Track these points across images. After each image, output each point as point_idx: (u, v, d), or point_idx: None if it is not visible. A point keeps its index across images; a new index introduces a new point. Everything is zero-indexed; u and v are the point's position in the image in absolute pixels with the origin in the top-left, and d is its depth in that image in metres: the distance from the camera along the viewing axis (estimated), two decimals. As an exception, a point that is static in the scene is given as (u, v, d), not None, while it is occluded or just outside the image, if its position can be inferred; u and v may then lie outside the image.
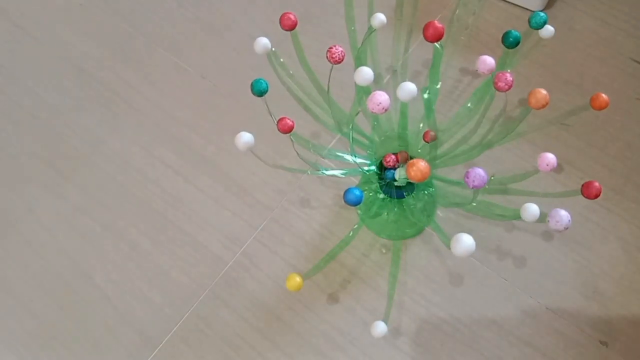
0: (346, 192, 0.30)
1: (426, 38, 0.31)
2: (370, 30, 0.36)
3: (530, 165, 0.38)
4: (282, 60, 0.37)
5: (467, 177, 0.28)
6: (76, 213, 0.50)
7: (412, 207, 0.40)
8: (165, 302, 0.46)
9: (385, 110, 0.29)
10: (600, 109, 0.32)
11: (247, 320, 0.45)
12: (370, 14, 0.37)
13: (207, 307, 0.45)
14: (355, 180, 0.48)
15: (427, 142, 0.38)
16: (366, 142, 0.42)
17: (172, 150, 0.52)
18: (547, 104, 0.30)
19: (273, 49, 0.36)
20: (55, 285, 0.48)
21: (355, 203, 0.30)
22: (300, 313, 0.44)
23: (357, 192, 0.30)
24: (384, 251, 0.45)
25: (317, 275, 0.44)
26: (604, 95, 0.32)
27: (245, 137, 0.35)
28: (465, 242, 0.28)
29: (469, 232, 0.28)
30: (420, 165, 0.27)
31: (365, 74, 0.31)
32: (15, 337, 0.46)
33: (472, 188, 0.28)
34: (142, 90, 0.56)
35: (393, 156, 0.39)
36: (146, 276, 0.47)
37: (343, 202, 0.30)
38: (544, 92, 0.30)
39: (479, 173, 0.28)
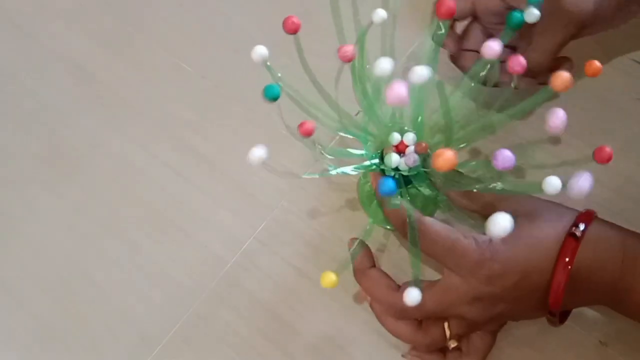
0: (380, 183, 0.30)
1: (439, 16, 0.31)
2: (361, 31, 0.37)
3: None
4: (268, 63, 0.37)
5: (496, 160, 0.29)
6: (76, 213, 0.50)
7: (424, 191, 0.40)
8: (165, 302, 0.46)
9: (404, 102, 0.29)
10: (594, 75, 0.33)
11: (247, 320, 0.45)
12: (354, 9, 0.38)
13: (207, 307, 0.45)
14: (354, 179, 0.48)
15: (420, 153, 0.38)
16: (368, 137, 0.42)
17: (172, 150, 0.52)
18: (571, 85, 0.31)
19: (268, 53, 0.36)
20: (55, 285, 0.48)
21: (390, 194, 0.30)
22: (301, 313, 0.44)
23: (391, 183, 0.30)
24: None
25: (316, 275, 0.44)
26: (597, 62, 0.32)
27: (259, 152, 0.34)
28: (501, 223, 0.28)
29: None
30: (446, 155, 0.27)
31: (385, 64, 0.30)
32: (15, 337, 0.46)
33: (502, 169, 0.29)
34: (142, 90, 0.56)
35: (394, 147, 0.40)
36: (146, 276, 0.47)
37: (379, 192, 0.30)
38: (567, 74, 0.30)
39: (507, 155, 0.28)
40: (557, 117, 0.31)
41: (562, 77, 0.30)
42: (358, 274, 0.40)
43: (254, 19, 0.59)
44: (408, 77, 0.31)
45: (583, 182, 0.30)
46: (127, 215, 0.50)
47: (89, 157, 0.53)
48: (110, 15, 0.61)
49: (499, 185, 0.37)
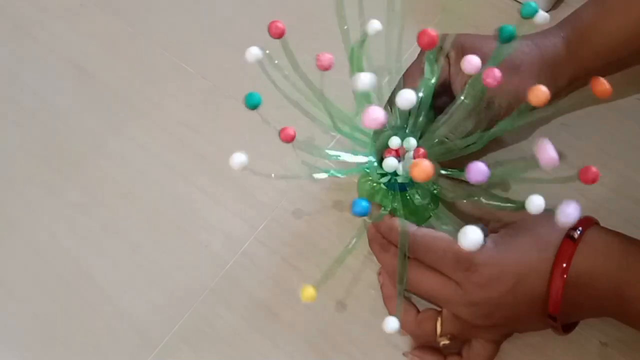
0: (353, 204, 0.31)
1: (421, 46, 0.31)
2: (363, 37, 0.37)
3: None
4: (276, 62, 0.37)
5: (468, 173, 0.28)
6: (76, 213, 0.50)
7: (415, 199, 0.40)
8: (165, 302, 0.46)
9: (383, 125, 0.29)
10: (603, 96, 0.31)
11: (247, 320, 0.45)
12: (361, 13, 0.38)
13: (207, 307, 0.45)
14: (353, 179, 0.48)
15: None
16: (366, 139, 0.42)
17: (173, 150, 0.52)
18: (547, 101, 0.30)
19: (267, 51, 0.36)
20: (55, 285, 0.47)
21: (363, 214, 0.31)
22: (301, 313, 0.44)
23: (364, 204, 0.30)
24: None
25: (317, 275, 0.44)
26: (606, 83, 0.31)
27: (239, 158, 0.35)
28: (471, 236, 0.28)
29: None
30: (423, 165, 0.27)
31: (365, 78, 0.31)
32: (16, 337, 0.46)
33: (474, 183, 0.28)
34: (142, 90, 0.56)
35: (393, 151, 0.40)
36: (146, 276, 0.47)
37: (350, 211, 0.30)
38: (544, 88, 0.30)
39: (479, 167, 0.28)
40: (547, 153, 0.30)
41: (539, 90, 0.30)
42: (371, 242, 0.41)
43: (254, 19, 0.59)
44: (396, 99, 0.31)
45: (571, 210, 0.30)
46: (127, 215, 0.50)
47: (89, 157, 0.53)
48: (110, 15, 0.61)
49: (481, 198, 0.37)
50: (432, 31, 0.31)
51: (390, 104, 0.43)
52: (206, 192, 0.50)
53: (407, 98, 0.30)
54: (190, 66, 0.57)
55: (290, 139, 0.36)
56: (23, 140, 0.54)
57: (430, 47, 0.31)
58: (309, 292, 0.33)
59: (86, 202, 0.51)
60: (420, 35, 0.31)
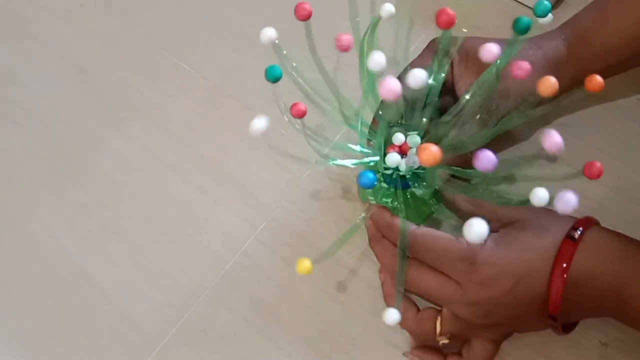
0: (360, 175, 0.31)
1: (439, 25, 0.31)
2: (375, 19, 0.36)
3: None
4: (285, 52, 0.37)
5: (477, 160, 0.28)
6: (76, 213, 0.50)
7: (418, 192, 0.40)
8: (165, 302, 0.46)
9: (397, 97, 0.29)
10: (595, 90, 0.32)
11: (247, 320, 0.45)
12: (372, 5, 0.38)
13: (207, 307, 0.45)
14: (354, 179, 0.48)
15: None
16: (371, 134, 0.42)
17: (173, 150, 0.52)
18: (556, 91, 0.30)
19: (277, 41, 0.36)
20: (55, 285, 0.47)
21: (369, 186, 0.31)
22: (301, 313, 0.44)
23: (370, 175, 0.31)
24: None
25: (316, 274, 0.44)
26: (598, 77, 0.31)
27: (259, 123, 0.35)
28: (477, 228, 0.28)
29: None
30: (431, 150, 0.27)
31: (378, 58, 0.31)
32: (16, 337, 0.46)
33: (483, 170, 0.28)
34: (142, 90, 0.56)
35: (396, 147, 0.40)
36: (146, 276, 0.47)
37: (356, 186, 0.30)
38: (553, 79, 0.30)
39: (488, 156, 0.28)
40: (552, 140, 0.30)
41: (548, 81, 0.30)
42: (372, 241, 0.41)
43: (254, 19, 0.59)
44: (406, 78, 0.31)
45: (569, 197, 0.30)
46: (127, 215, 0.50)
47: (89, 157, 0.53)
48: (110, 15, 0.61)
49: (486, 191, 0.37)
50: (451, 10, 0.31)
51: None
52: (206, 192, 0.50)
53: (419, 77, 0.30)
54: (190, 66, 0.57)
55: (301, 115, 0.36)
56: (23, 140, 0.54)
57: (449, 26, 0.31)
58: (304, 265, 0.33)
59: (86, 202, 0.51)
60: (439, 14, 0.31)
